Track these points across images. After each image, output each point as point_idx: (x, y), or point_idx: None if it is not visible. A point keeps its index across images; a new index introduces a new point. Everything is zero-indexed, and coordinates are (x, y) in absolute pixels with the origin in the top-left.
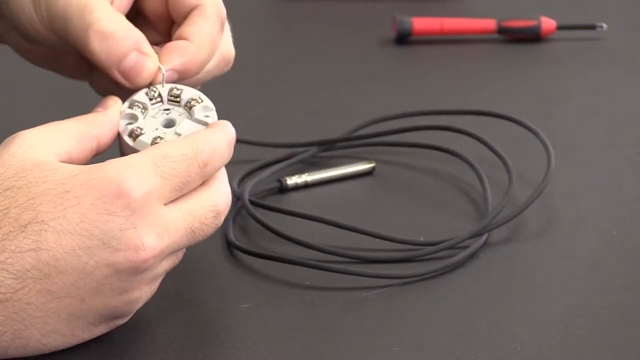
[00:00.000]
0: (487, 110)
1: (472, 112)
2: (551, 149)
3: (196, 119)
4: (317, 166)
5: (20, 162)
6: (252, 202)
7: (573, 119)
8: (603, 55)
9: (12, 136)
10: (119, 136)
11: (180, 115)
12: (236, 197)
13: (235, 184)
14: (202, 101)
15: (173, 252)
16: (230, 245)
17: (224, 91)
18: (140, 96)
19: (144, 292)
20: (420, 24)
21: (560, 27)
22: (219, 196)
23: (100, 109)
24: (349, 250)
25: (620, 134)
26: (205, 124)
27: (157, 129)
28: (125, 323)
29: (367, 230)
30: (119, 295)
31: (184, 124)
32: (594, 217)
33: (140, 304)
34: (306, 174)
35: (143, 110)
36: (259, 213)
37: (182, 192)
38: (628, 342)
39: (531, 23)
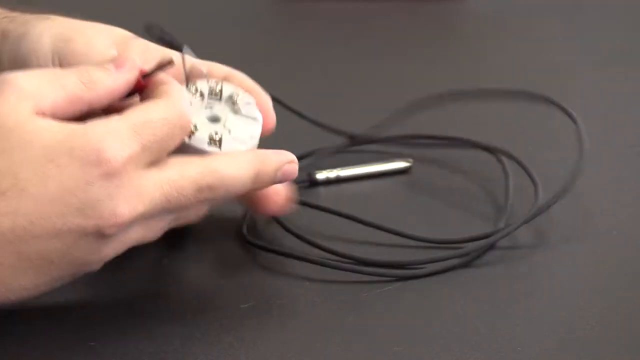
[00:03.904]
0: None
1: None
2: (586, 150)
3: (243, 114)
4: (352, 161)
5: (3, 118)
6: None
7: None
8: (603, 55)
9: (2, 80)
10: None
11: (223, 110)
12: None
13: None
14: (241, 95)
15: (144, 220)
16: (241, 239)
17: None
18: None
19: (110, 254)
20: None
21: None
22: (205, 170)
23: (111, 66)
24: (357, 246)
25: (620, 134)
26: (253, 118)
27: (210, 123)
28: (125, 324)
29: (379, 225)
30: (85, 256)
31: (232, 120)
32: (594, 218)
33: (107, 260)
34: (338, 168)
35: None
36: None
37: (162, 156)
38: (628, 342)
39: None
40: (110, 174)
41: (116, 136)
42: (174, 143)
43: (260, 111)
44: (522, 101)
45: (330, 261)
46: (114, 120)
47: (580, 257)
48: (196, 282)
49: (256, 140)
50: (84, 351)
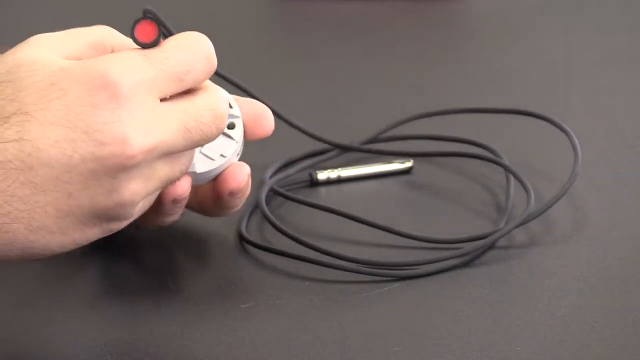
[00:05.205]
0: (522, 109)
1: (507, 111)
2: (580, 156)
3: (223, 132)
4: (353, 161)
5: (18, 59)
6: (274, 191)
7: (573, 118)
8: (603, 55)
9: (28, 39)
10: None
11: None
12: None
13: (267, 176)
14: (230, 107)
15: (170, 154)
16: (241, 239)
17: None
18: None
19: (136, 193)
20: None
21: None
22: (215, 98)
23: None
24: (357, 246)
25: (620, 133)
26: (229, 137)
27: None
28: (125, 324)
29: (379, 224)
30: (108, 194)
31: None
32: (594, 218)
33: (135, 209)
34: (339, 168)
35: None
36: (286, 204)
37: (182, 83)
38: (628, 342)
39: None
40: (119, 97)
41: (124, 61)
42: (196, 71)
43: (256, 117)
44: (519, 113)
45: (330, 261)
46: (125, 51)
47: (579, 257)
48: (196, 282)
49: (226, 160)
50: (83, 350)
